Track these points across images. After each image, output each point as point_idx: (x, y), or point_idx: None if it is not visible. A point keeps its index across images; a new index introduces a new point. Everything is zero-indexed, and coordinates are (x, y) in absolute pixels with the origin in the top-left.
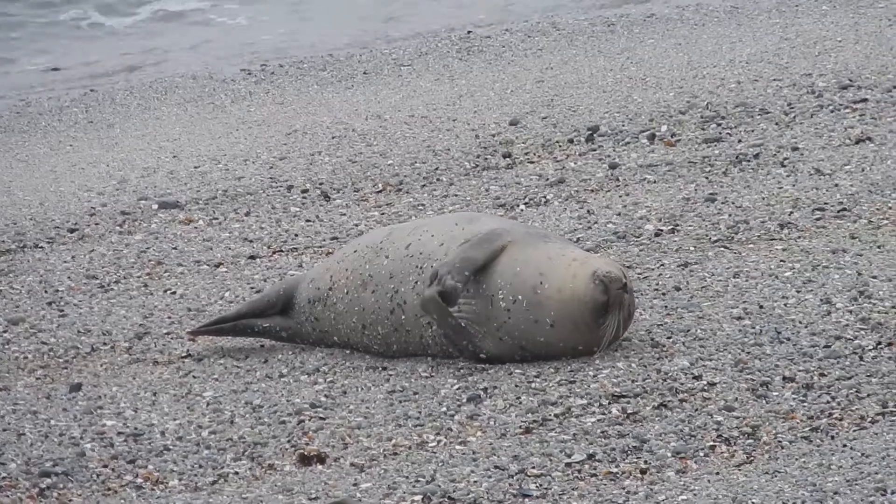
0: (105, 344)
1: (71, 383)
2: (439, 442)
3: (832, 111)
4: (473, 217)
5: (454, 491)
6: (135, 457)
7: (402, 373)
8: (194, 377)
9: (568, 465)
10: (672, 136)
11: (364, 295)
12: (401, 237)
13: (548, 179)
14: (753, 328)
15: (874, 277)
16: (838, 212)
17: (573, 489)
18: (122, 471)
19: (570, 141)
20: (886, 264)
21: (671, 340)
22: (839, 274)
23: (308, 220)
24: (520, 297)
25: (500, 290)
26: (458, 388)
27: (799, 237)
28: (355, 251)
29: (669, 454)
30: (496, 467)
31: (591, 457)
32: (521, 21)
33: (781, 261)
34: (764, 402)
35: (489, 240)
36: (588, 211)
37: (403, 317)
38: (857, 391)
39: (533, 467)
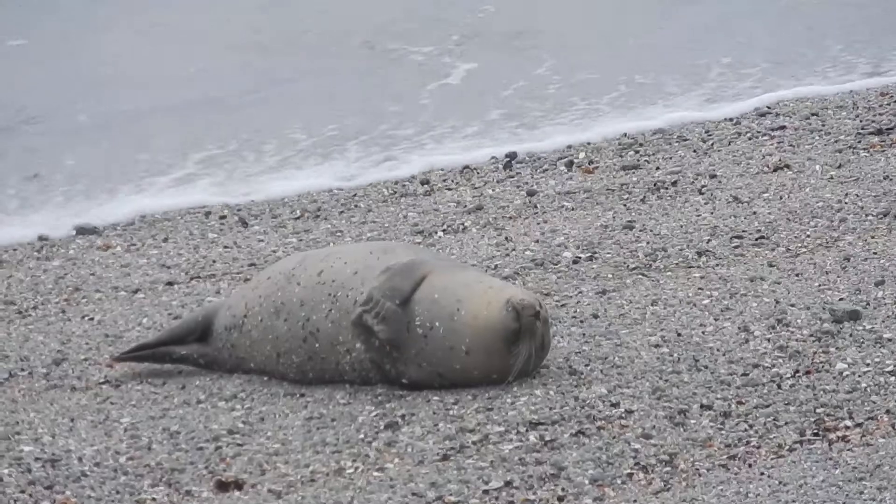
0: (23, 370)
1: None
2: (357, 469)
3: (750, 138)
4: (388, 247)
5: None
6: (52, 483)
7: (320, 399)
8: (112, 403)
9: (485, 492)
10: (590, 164)
11: (277, 323)
12: (313, 264)
13: (466, 206)
14: (671, 356)
15: (792, 305)
16: (756, 239)
17: None
18: (40, 497)
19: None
20: (804, 292)
21: (589, 368)
22: (757, 302)
23: (226, 247)
24: (437, 323)
25: (418, 316)
26: (375, 415)
27: (717, 265)
28: (269, 278)
29: (587, 482)
30: (413, 494)
31: (508, 484)
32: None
33: (699, 288)
34: (682, 429)
35: (411, 269)
36: (506, 238)
37: (317, 345)
38: (774, 419)
39: (450, 494)
